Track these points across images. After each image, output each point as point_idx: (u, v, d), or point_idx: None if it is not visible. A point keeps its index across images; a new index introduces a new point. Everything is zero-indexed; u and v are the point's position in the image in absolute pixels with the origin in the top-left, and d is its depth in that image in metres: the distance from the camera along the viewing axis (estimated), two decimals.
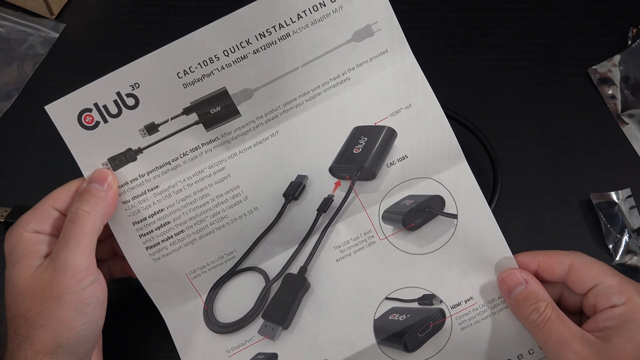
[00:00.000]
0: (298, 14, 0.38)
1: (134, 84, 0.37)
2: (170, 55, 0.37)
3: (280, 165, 0.40)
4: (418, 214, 0.40)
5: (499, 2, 0.60)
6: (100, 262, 0.41)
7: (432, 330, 0.40)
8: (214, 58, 0.38)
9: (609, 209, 0.49)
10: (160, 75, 0.38)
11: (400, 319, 0.40)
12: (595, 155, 0.52)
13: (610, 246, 0.48)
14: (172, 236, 0.40)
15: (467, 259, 0.40)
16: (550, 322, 0.36)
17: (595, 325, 0.36)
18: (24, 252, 0.37)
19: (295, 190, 0.40)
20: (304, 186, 0.40)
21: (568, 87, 0.55)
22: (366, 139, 0.40)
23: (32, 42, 0.58)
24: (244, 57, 0.38)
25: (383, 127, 0.40)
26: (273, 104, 0.39)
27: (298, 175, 0.40)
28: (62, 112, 0.38)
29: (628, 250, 0.48)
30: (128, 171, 0.39)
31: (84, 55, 0.58)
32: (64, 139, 0.38)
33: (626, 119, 0.54)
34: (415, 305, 0.40)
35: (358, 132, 0.40)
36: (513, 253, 0.40)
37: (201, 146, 0.39)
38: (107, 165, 0.39)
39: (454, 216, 0.40)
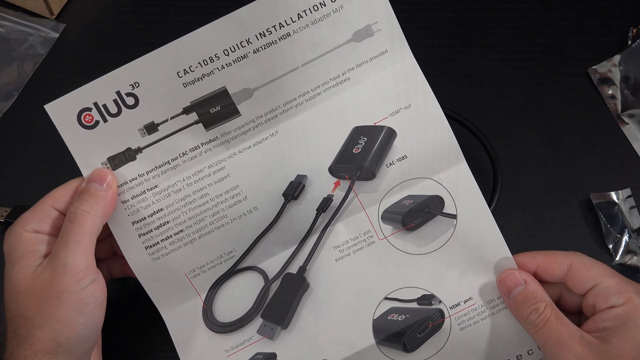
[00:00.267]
0: (298, 14, 0.38)
1: (134, 83, 0.37)
2: (170, 54, 0.37)
3: (279, 165, 0.40)
4: (417, 214, 0.40)
5: (499, 2, 0.60)
6: (100, 261, 0.41)
7: (431, 331, 0.40)
8: (214, 57, 0.38)
9: (609, 209, 0.49)
10: (160, 74, 0.38)
11: (399, 319, 0.40)
12: (595, 155, 0.52)
13: (610, 246, 0.48)
14: (171, 236, 0.40)
15: (467, 259, 0.40)
16: (549, 323, 0.36)
17: (594, 326, 0.36)
18: (23, 252, 0.37)
19: (294, 190, 0.40)
20: (304, 186, 0.40)
21: (568, 87, 0.55)
22: (366, 139, 0.40)
23: (32, 42, 0.59)
24: (244, 57, 0.38)
25: (382, 127, 0.40)
26: (273, 104, 0.39)
27: (297, 175, 0.40)
28: (61, 111, 0.38)
29: (628, 250, 0.48)
30: (127, 171, 0.39)
31: (84, 55, 0.58)
32: (63, 139, 0.38)
33: (626, 119, 0.54)
34: (415, 305, 0.40)
35: (358, 132, 0.40)
36: (512, 253, 0.39)
37: (201, 146, 0.39)
38: (106, 164, 0.39)
39: (453, 216, 0.40)
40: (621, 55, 0.56)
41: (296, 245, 0.41)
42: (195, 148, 0.39)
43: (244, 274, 0.41)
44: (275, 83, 0.39)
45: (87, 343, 0.37)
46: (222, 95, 0.39)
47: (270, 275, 0.41)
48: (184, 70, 0.38)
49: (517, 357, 0.40)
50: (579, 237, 0.49)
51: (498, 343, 0.40)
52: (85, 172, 0.39)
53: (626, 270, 0.48)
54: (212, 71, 0.38)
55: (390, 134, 0.40)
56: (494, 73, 0.56)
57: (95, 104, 0.38)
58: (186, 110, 0.39)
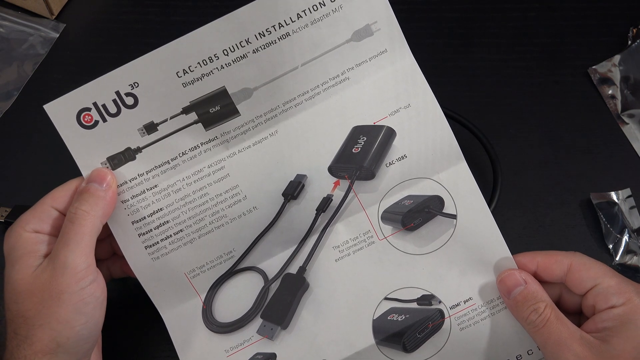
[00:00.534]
0: (298, 14, 0.38)
1: (133, 83, 0.37)
2: (170, 54, 0.37)
3: (279, 165, 0.40)
4: (417, 214, 0.40)
5: (499, 2, 0.60)
6: (100, 261, 0.41)
7: (431, 331, 0.40)
8: (213, 57, 0.38)
9: (609, 209, 0.49)
10: (160, 74, 0.37)
11: (399, 319, 0.40)
12: (595, 155, 0.52)
13: (610, 246, 0.48)
14: (171, 235, 0.40)
15: (466, 259, 0.40)
16: (549, 323, 0.36)
17: (594, 326, 0.36)
18: (23, 252, 0.37)
19: (294, 190, 0.40)
20: (303, 185, 0.40)
21: (568, 87, 0.55)
22: (365, 138, 0.40)
23: (32, 42, 0.59)
24: (244, 57, 0.38)
25: (382, 126, 0.40)
26: (272, 104, 0.39)
27: (297, 174, 0.40)
28: (60, 111, 0.38)
29: (628, 250, 0.48)
30: (127, 170, 0.39)
31: (84, 55, 0.58)
32: (63, 138, 0.38)
33: (626, 119, 0.54)
34: (414, 305, 0.40)
35: (357, 132, 0.40)
36: (512, 253, 0.39)
37: (200, 145, 0.39)
38: (106, 164, 0.39)
39: (453, 216, 0.40)
40: (621, 55, 0.56)
41: (296, 246, 0.41)
42: (195, 148, 0.39)
43: (244, 274, 0.41)
44: (274, 83, 0.39)
45: (87, 343, 0.37)
46: (221, 95, 0.39)
47: (270, 275, 0.41)
48: (184, 70, 0.38)
49: (516, 358, 0.40)
50: (579, 237, 0.49)
51: (498, 343, 0.40)
52: (84, 172, 0.39)
53: (626, 270, 0.48)
54: (211, 71, 0.38)
55: (390, 133, 0.40)
56: (494, 73, 0.56)
57: (95, 104, 0.38)
58: (185, 110, 0.39)
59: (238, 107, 0.39)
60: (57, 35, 0.59)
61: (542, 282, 0.38)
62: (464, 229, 0.40)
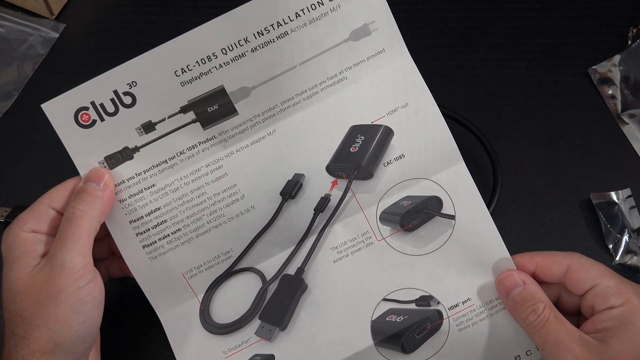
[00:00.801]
0: (296, 13, 0.38)
1: (131, 82, 0.37)
2: (168, 53, 0.37)
3: (277, 164, 0.40)
4: (415, 214, 0.40)
5: (499, 2, 0.59)
6: (99, 261, 0.41)
7: (429, 332, 0.40)
8: (212, 56, 0.38)
9: (609, 209, 0.49)
10: (158, 73, 0.37)
11: (398, 320, 0.40)
12: (595, 155, 0.52)
13: (610, 246, 0.48)
14: (168, 235, 0.39)
15: (465, 260, 0.40)
16: (548, 324, 0.36)
17: (593, 327, 0.36)
18: (21, 252, 0.36)
19: (292, 189, 0.40)
20: (301, 185, 0.40)
21: (568, 87, 0.55)
22: (363, 137, 0.39)
23: (32, 42, 0.59)
24: (242, 56, 0.38)
25: (380, 126, 0.40)
26: (270, 103, 0.39)
27: (295, 173, 0.40)
28: (58, 110, 0.37)
29: (628, 250, 0.48)
30: (125, 170, 0.39)
31: (84, 55, 0.58)
32: (60, 138, 0.38)
33: (626, 119, 0.53)
34: (413, 306, 0.40)
35: (355, 131, 0.40)
36: (512, 253, 0.39)
37: (198, 145, 0.39)
38: (103, 163, 0.39)
39: (452, 217, 0.40)
40: (621, 55, 0.55)
41: (294, 246, 0.41)
42: (193, 147, 0.39)
43: (242, 275, 0.41)
44: (273, 82, 0.39)
45: (85, 343, 0.36)
46: (219, 94, 0.39)
47: (268, 276, 0.41)
48: (182, 69, 0.38)
49: (515, 358, 0.39)
50: (579, 237, 0.49)
51: (496, 344, 0.39)
52: (82, 172, 0.39)
53: (626, 270, 0.47)
54: (209, 70, 0.38)
55: (388, 132, 0.40)
56: (494, 73, 0.56)
57: (93, 103, 0.38)
58: (184, 109, 0.38)
59: (236, 106, 0.39)
60: (57, 35, 0.59)
61: (541, 282, 0.38)
62: (463, 230, 0.40)
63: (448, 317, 0.40)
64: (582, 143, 0.53)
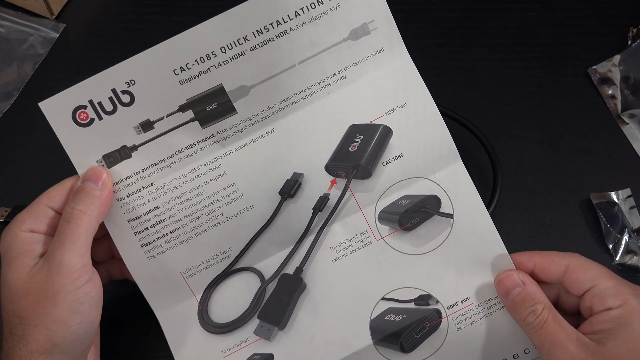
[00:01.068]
0: (295, 12, 0.38)
1: (130, 80, 0.37)
2: (167, 52, 0.37)
3: (276, 163, 0.40)
4: (414, 214, 0.40)
5: (499, 2, 0.59)
6: (99, 264, 0.41)
7: (428, 331, 0.39)
8: (210, 55, 0.38)
9: (609, 209, 0.49)
10: (156, 72, 0.37)
11: (397, 320, 0.39)
12: (595, 155, 0.52)
13: (610, 246, 0.48)
14: (167, 234, 0.39)
15: (464, 259, 0.40)
16: (546, 325, 0.36)
17: (590, 328, 0.36)
18: (19, 252, 0.36)
19: (291, 188, 0.40)
20: (300, 184, 0.40)
21: (568, 87, 0.55)
22: (362, 137, 0.39)
23: (32, 42, 0.59)
24: (241, 54, 0.38)
25: (379, 125, 0.40)
26: (269, 102, 0.39)
27: (294, 173, 0.40)
28: (56, 109, 0.37)
29: (628, 250, 0.47)
30: (123, 168, 0.39)
31: (84, 55, 0.58)
32: (58, 137, 0.38)
33: (626, 119, 0.53)
34: (412, 305, 0.40)
35: (354, 130, 0.40)
36: (512, 253, 0.39)
37: (197, 143, 0.39)
38: (101, 162, 0.39)
39: (450, 216, 0.40)
40: (621, 55, 0.55)
41: (292, 246, 0.40)
42: (191, 146, 0.39)
43: (240, 274, 0.41)
44: (272, 81, 0.39)
45: (83, 343, 0.36)
46: (218, 93, 0.39)
47: (267, 276, 0.41)
48: (181, 67, 0.38)
49: (513, 356, 0.39)
50: (579, 237, 0.49)
51: (495, 342, 0.39)
52: (80, 171, 0.38)
53: (626, 271, 0.47)
54: (208, 69, 0.38)
55: (386, 132, 0.40)
56: (494, 73, 0.56)
57: (91, 102, 0.38)
58: (182, 108, 0.38)
59: (235, 105, 0.39)
60: (57, 35, 0.59)
61: (540, 282, 0.38)
62: (461, 229, 0.40)
63: (447, 316, 0.40)
64: (582, 143, 0.53)
